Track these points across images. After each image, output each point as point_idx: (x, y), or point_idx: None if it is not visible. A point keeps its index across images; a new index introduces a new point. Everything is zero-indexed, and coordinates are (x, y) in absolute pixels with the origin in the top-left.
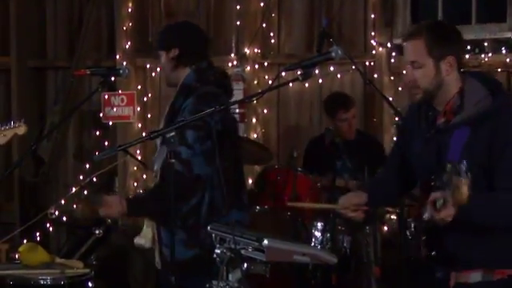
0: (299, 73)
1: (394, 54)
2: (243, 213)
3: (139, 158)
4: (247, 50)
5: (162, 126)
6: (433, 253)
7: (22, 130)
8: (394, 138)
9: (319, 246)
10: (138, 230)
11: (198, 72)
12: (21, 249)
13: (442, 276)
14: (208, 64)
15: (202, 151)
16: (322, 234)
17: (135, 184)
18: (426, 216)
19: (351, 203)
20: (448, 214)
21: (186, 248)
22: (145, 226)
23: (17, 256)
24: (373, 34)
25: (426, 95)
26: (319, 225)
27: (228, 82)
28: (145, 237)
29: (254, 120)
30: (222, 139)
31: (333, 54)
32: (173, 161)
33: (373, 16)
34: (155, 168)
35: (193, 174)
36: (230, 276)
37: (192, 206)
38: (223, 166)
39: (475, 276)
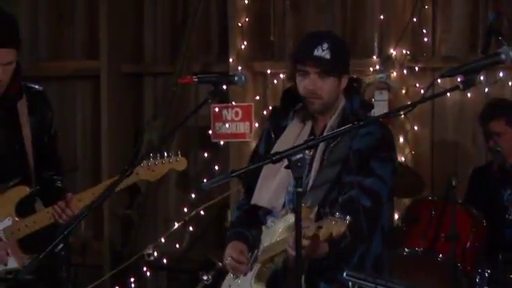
0: (460, 80)
1: None
2: None
3: None
4: (393, 52)
5: None
6: None
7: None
8: None
9: None
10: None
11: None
12: None
13: None
14: None
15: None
16: (488, 285)
17: None
18: None
19: None
20: None
21: None
22: (258, 265)
23: None
24: None
25: None
26: (485, 273)
27: None
28: (260, 279)
29: (401, 139)
30: None
31: (502, 57)
32: (300, 189)
33: None
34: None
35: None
36: None
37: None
38: None
39: None
